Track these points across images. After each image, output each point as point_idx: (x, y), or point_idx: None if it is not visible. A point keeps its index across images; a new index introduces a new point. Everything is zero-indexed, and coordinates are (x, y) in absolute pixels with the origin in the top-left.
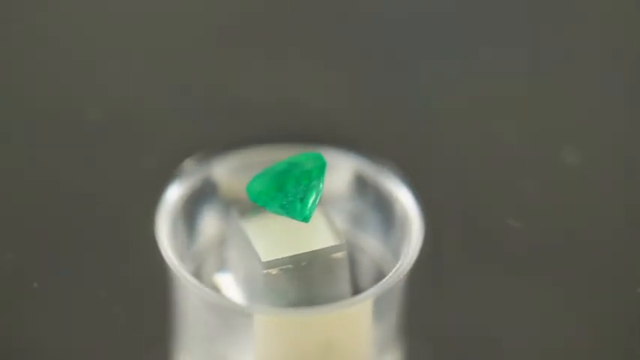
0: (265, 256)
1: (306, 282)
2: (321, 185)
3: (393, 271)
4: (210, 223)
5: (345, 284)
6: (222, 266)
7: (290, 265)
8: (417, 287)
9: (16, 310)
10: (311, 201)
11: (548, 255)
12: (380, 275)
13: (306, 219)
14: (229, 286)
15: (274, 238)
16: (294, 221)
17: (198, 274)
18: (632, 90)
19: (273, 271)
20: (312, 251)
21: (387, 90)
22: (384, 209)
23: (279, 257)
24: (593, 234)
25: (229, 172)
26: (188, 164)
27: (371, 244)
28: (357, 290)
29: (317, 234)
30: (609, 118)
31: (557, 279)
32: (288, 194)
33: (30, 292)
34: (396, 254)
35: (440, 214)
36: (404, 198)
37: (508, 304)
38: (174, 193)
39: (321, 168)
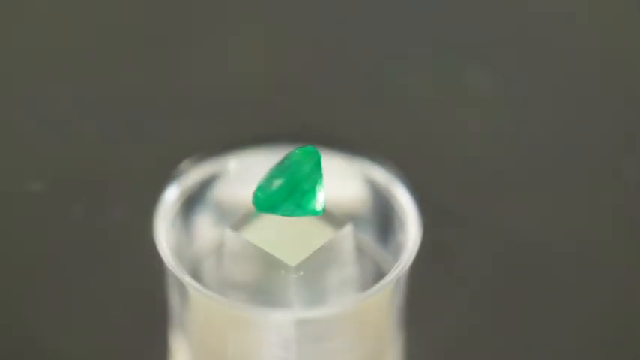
0: (291, 260)
1: (322, 273)
2: (322, 177)
3: (408, 252)
4: (208, 222)
5: (354, 266)
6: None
7: (313, 262)
8: (415, 286)
9: (16, 310)
10: (320, 195)
11: (547, 254)
12: (379, 274)
13: (320, 213)
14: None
15: (285, 241)
16: (293, 221)
17: (196, 275)
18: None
19: (302, 272)
20: (328, 242)
21: (386, 90)
22: (383, 209)
23: (304, 258)
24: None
25: (227, 172)
26: (186, 165)
27: (370, 243)
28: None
29: (321, 225)
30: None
31: (557, 279)
32: (297, 194)
33: (30, 292)
34: (395, 253)
35: (439, 213)
36: (402, 197)
37: (507, 303)
38: (172, 194)
39: (318, 161)
